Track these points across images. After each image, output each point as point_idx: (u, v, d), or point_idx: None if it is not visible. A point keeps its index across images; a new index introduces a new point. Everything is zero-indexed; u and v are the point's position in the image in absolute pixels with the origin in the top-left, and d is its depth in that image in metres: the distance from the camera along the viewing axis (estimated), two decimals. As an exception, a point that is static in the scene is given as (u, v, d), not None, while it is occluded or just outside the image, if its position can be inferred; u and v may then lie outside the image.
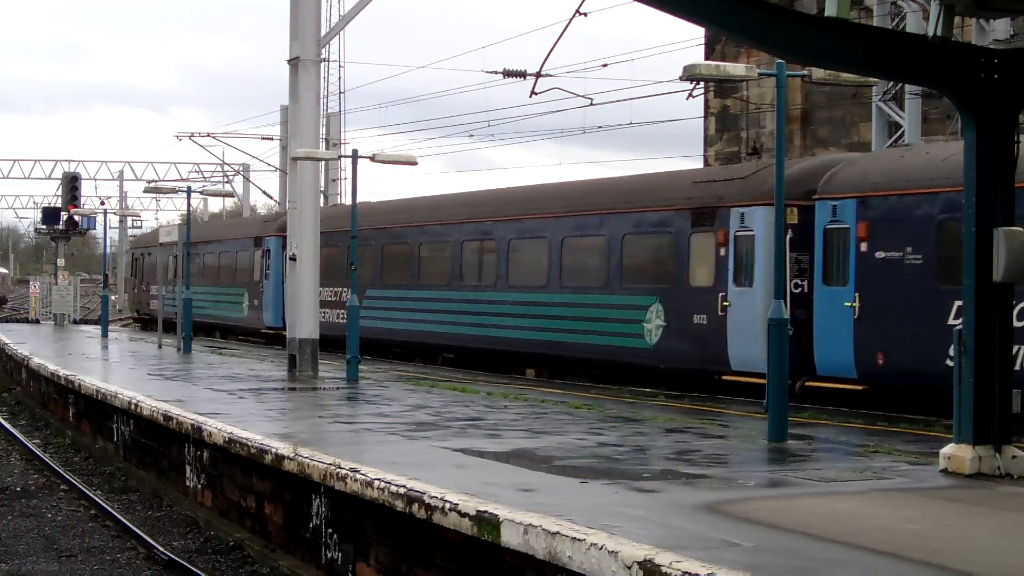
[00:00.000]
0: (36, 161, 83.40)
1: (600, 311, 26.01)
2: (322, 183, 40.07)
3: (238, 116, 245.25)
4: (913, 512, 10.72)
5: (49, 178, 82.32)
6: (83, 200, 57.25)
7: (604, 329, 25.83)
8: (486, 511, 10.33)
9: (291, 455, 13.92)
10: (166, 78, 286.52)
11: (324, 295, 33.00)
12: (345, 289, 32.60)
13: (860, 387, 20.44)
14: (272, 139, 59.55)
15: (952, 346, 12.88)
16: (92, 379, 24.51)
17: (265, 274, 39.66)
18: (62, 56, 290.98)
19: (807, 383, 21.32)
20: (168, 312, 39.47)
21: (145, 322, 54.58)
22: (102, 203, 73.65)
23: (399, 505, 11.50)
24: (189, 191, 39.08)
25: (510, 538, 9.93)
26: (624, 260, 25.54)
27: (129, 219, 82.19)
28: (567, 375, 27.57)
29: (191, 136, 60.84)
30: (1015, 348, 16.49)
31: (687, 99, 35.88)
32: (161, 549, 14.46)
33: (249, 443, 15.11)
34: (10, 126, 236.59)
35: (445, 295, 31.49)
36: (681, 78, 15.87)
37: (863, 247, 20.38)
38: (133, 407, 20.30)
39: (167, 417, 18.40)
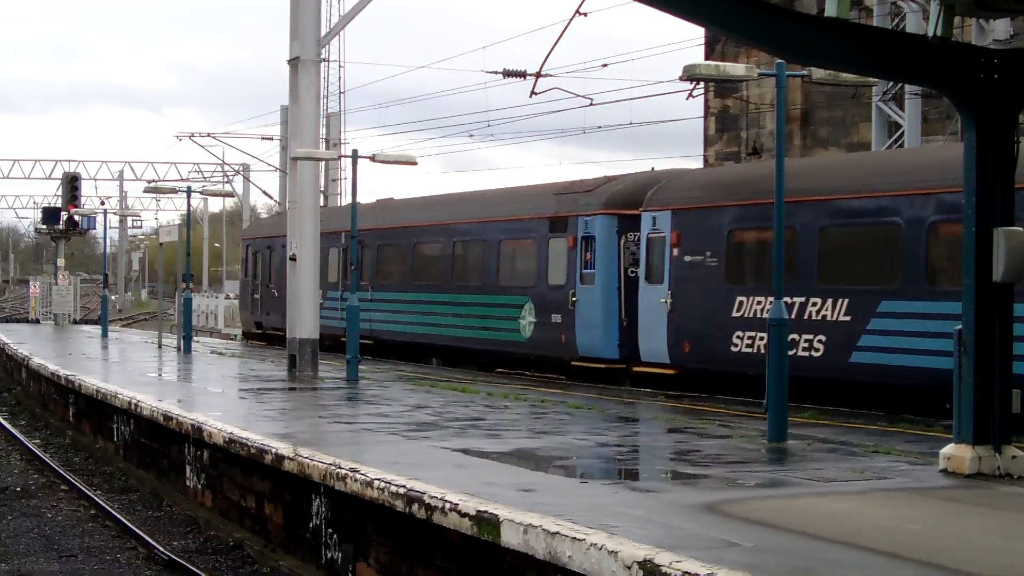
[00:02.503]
0: (36, 161, 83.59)
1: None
2: (322, 183, 40.12)
3: (235, 116, 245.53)
4: (913, 512, 10.72)
5: (49, 178, 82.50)
6: (83, 200, 57.29)
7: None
8: (486, 511, 10.33)
9: (291, 455, 13.92)
10: (162, 78, 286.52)
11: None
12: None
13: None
14: (272, 139, 59.59)
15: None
16: (92, 379, 24.51)
17: (581, 275, 26.96)
18: (56, 56, 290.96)
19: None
20: (332, 326, 33.10)
21: (269, 339, 42.16)
22: (102, 203, 73.69)
23: (399, 505, 11.50)
24: (189, 191, 39.10)
25: (510, 538, 9.93)
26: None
27: (129, 219, 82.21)
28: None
29: (191, 136, 60.93)
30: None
31: (687, 99, 35.93)
32: (161, 549, 14.46)
33: (249, 443, 15.12)
34: (5, 126, 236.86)
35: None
36: (681, 78, 15.88)
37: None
38: (133, 407, 20.30)
39: (167, 417, 18.40)
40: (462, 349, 30.95)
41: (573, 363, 26.33)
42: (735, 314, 22.11)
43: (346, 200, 47.87)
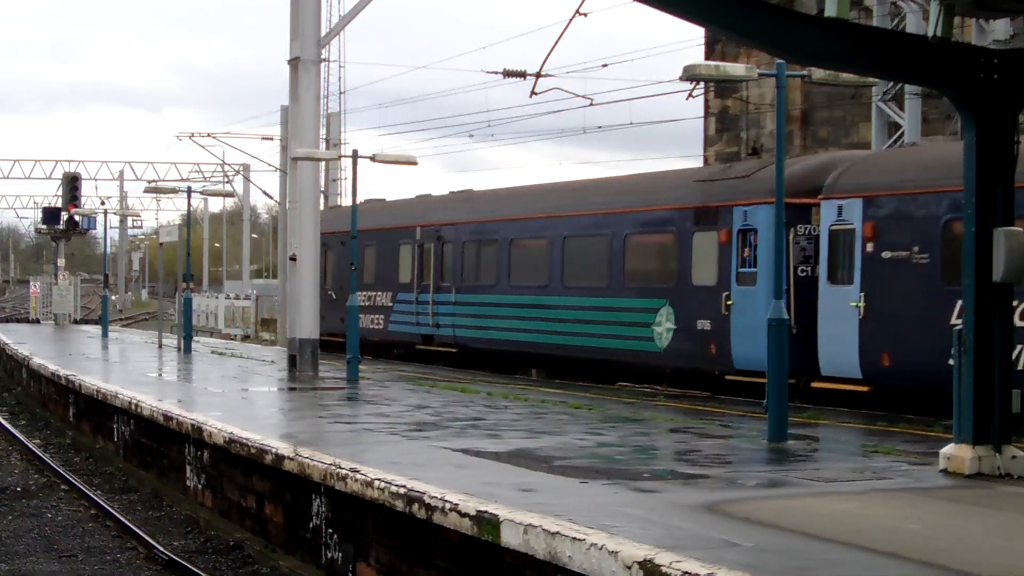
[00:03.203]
0: (36, 161, 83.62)
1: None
2: (322, 183, 40.12)
3: (234, 116, 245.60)
4: (913, 512, 10.72)
5: (49, 178, 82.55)
6: (83, 200, 57.28)
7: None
8: (486, 511, 10.33)
9: (291, 455, 13.92)
10: (161, 78, 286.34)
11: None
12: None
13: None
14: (272, 139, 59.54)
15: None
16: (92, 379, 24.51)
17: (738, 274, 22.76)
18: (54, 56, 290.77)
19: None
20: (404, 332, 32.16)
21: (322, 346, 40.62)
22: (102, 203, 73.71)
23: (399, 505, 11.50)
24: (189, 191, 39.13)
25: (510, 538, 9.93)
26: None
27: (129, 219, 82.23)
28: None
29: (191, 136, 60.87)
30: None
31: (687, 99, 35.96)
32: (161, 549, 14.46)
33: (249, 443, 15.11)
34: (4, 126, 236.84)
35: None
36: (681, 78, 15.88)
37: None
38: (133, 407, 20.30)
39: (167, 417, 18.40)
40: (572, 359, 26.92)
41: (727, 377, 22.60)
42: (955, 320, 17.42)
43: (346, 200, 47.81)
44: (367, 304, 33.72)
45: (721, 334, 22.65)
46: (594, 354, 25.91)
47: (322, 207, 35.98)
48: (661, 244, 24.60)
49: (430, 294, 31.46)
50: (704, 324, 23.02)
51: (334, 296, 34.73)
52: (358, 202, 29.61)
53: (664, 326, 23.93)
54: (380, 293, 34.00)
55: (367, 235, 32.80)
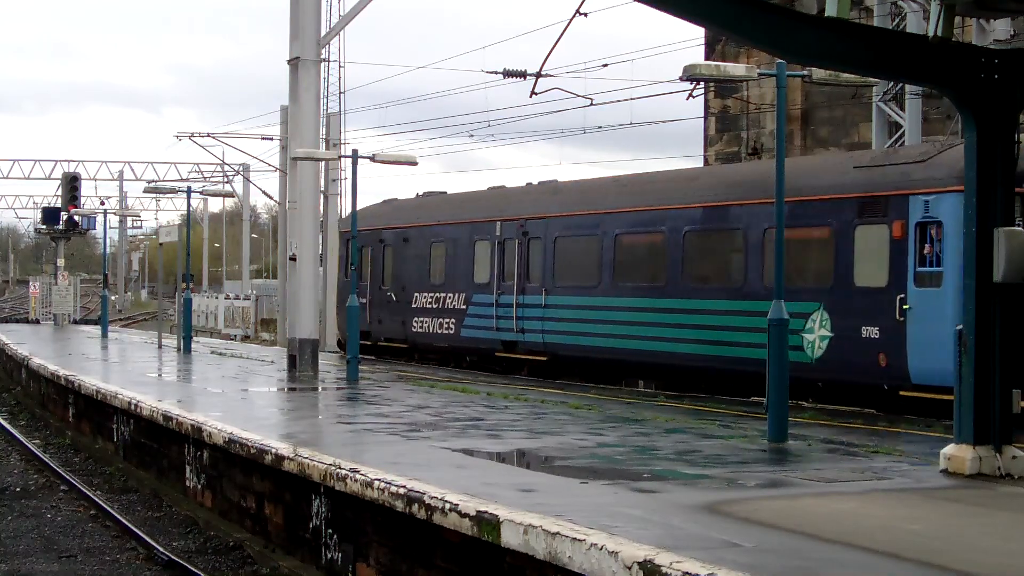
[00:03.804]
0: (36, 161, 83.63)
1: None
2: (322, 183, 40.10)
3: (233, 116, 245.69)
4: (913, 512, 10.72)
5: (49, 178, 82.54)
6: (83, 200, 57.30)
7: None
8: (486, 511, 10.32)
9: (291, 455, 13.91)
10: (158, 78, 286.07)
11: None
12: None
13: None
14: (272, 139, 59.55)
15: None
16: (92, 379, 24.50)
17: (916, 275, 19.64)
18: (51, 55, 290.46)
19: None
20: (480, 337, 29.04)
21: (379, 352, 33.66)
22: (102, 203, 73.76)
23: (399, 505, 11.49)
24: (189, 191, 39.17)
25: (510, 538, 9.92)
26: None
27: (129, 219, 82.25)
28: None
29: (191, 136, 60.86)
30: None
31: (687, 99, 35.88)
32: (161, 549, 14.45)
33: (249, 443, 15.11)
34: (2, 126, 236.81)
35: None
36: (681, 78, 15.89)
37: None
38: (133, 407, 20.30)
39: (167, 417, 18.39)
40: (693, 370, 23.65)
41: (902, 393, 19.64)
42: None
43: (346, 200, 47.70)
44: (434, 307, 31.00)
45: (894, 343, 19.69)
46: (722, 364, 22.80)
47: (375, 202, 33.83)
48: (812, 239, 21.45)
49: (514, 295, 28.22)
50: (871, 331, 20.09)
51: (394, 297, 32.40)
52: (416, 195, 28.21)
53: (817, 333, 20.97)
54: (450, 295, 30.49)
55: (430, 232, 31.04)
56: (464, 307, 29.86)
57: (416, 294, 31.85)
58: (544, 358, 27.53)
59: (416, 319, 31.78)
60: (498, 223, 28.72)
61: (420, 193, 35.06)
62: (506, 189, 31.44)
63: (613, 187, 26.96)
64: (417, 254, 32.03)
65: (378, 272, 33.67)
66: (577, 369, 26.89)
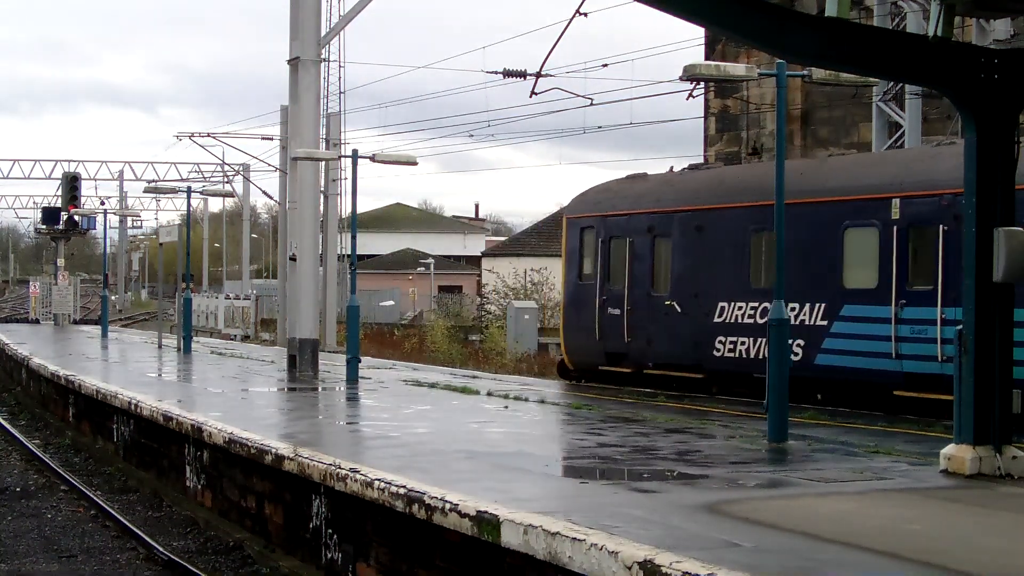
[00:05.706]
0: (36, 161, 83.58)
1: None
2: (322, 183, 40.08)
3: (232, 116, 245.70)
4: (913, 512, 10.72)
5: (49, 178, 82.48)
6: (83, 200, 57.30)
7: None
8: (486, 511, 10.32)
9: (291, 455, 13.92)
10: (154, 78, 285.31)
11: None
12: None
13: None
14: (272, 139, 59.56)
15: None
16: (92, 379, 24.50)
17: None
18: (45, 56, 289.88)
19: None
20: (858, 367, 20.13)
21: (623, 380, 25.11)
22: (102, 203, 73.75)
23: (399, 505, 11.49)
24: (189, 191, 39.16)
25: (510, 538, 9.92)
26: None
27: (129, 219, 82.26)
28: None
29: (191, 136, 60.87)
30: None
31: (687, 99, 35.92)
32: (161, 549, 14.46)
33: (249, 443, 15.11)
34: (1, 126, 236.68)
35: None
36: (681, 78, 15.88)
37: None
38: (133, 407, 20.30)
39: (167, 417, 18.40)
40: None
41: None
42: None
43: (346, 200, 47.68)
44: (761, 323, 21.16)
45: None
46: None
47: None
48: None
49: (937, 308, 19.12)
50: None
51: (678, 308, 23.83)
52: (688, 167, 23.85)
53: None
54: (796, 305, 21.03)
55: (748, 215, 22.53)
56: (823, 323, 21.14)
57: (722, 304, 22.95)
58: (910, 394, 19.49)
59: (721, 338, 22.91)
60: (896, 201, 19.95)
61: (687, 167, 26.68)
62: (906, 152, 23.23)
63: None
64: (723, 247, 23.17)
65: (643, 273, 24.91)
66: None
